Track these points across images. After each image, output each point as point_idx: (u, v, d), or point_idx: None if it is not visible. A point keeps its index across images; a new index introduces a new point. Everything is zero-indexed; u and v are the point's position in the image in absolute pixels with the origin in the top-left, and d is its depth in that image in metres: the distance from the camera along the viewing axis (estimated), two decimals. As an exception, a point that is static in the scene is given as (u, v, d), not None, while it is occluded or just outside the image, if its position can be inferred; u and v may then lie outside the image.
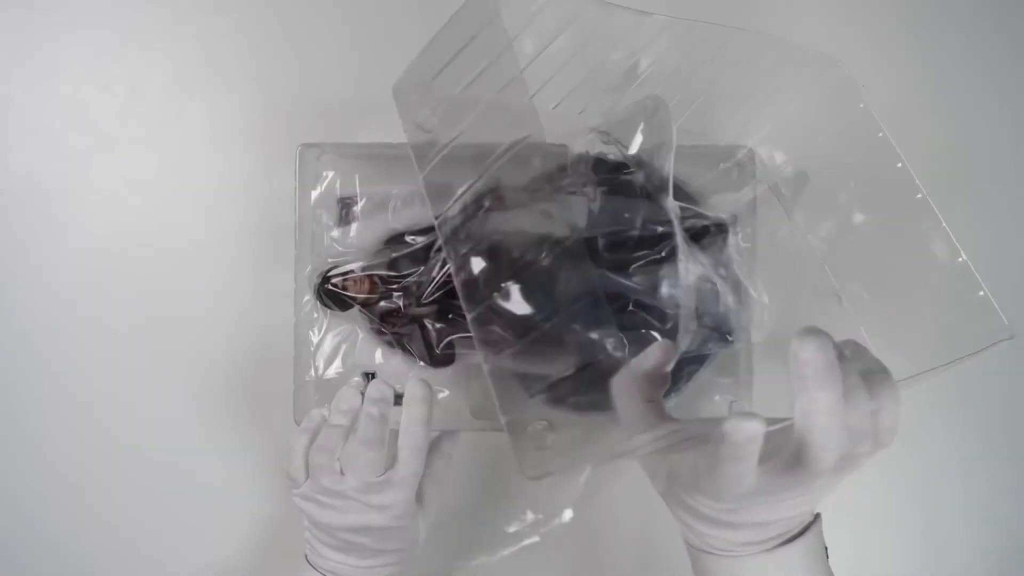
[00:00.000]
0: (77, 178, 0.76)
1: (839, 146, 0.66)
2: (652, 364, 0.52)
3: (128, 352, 0.76)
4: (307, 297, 0.70)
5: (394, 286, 0.68)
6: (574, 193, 0.69)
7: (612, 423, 0.50)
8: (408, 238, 0.68)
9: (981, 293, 0.53)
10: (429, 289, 0.66)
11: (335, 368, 0.70)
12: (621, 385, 0.51)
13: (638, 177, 0.71)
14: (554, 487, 0.73)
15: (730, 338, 0.68)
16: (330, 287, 0.68)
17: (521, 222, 0.68)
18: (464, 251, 0.52)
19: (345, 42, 0.76)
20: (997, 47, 0.77)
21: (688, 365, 0.70)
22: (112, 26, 0.76)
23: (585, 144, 0.62)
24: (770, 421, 0.43)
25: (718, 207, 0.72)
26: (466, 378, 0.72)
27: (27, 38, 0.76)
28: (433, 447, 0.63)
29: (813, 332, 0.43)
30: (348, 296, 0.68)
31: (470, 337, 0.67)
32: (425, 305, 0.67)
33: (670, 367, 0.52)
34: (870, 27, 0.78)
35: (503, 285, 0.54)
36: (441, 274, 0.66)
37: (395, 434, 0.60)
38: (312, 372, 0.70)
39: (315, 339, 0.70)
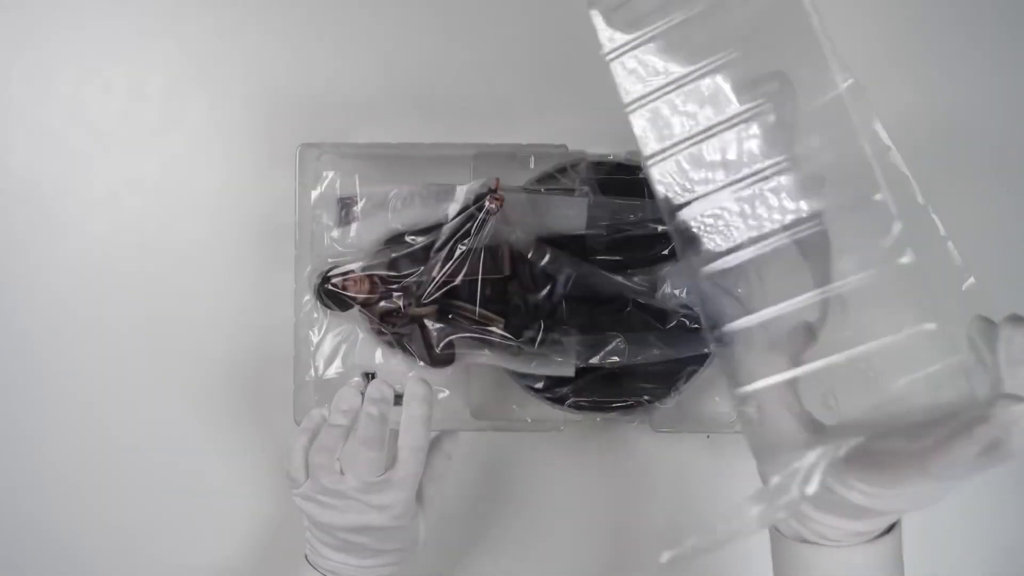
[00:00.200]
0: (77, 178, 0.76)
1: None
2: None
3: (128, 352, 0.76)
4: (307, 297, 0.70)
5: (394, 286, 0.68)
6: (574, 193, 0.69)
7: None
8: (408, 238, 0.68)
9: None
10: (429, 289, 0.66)
11: (335, 368, 0.70)
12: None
13: (639, 177, 0.71)
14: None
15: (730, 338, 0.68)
16: (330, 287, 0.68)
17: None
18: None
19: (345, 42, 0.76)
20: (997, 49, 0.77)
21: (688, 365, 0.70)
22: (112, 26, 0.76)
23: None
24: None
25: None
26: (466, 378, 0.72)
27: (27, 38, 0.76)
28: (433, 447, 0.62)
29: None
30: (348, 296, 0.68)
31: (470, 337, 0.67)
32: (425, 305, 0.67)
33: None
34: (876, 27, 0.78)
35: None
36: (441, 274, 0.66)
37: (395, 434, 0.60)
38: (312, 372, 0.70)
39: (315, 339, 0.70)
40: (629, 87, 0.52)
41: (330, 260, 0.69)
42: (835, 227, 0.49)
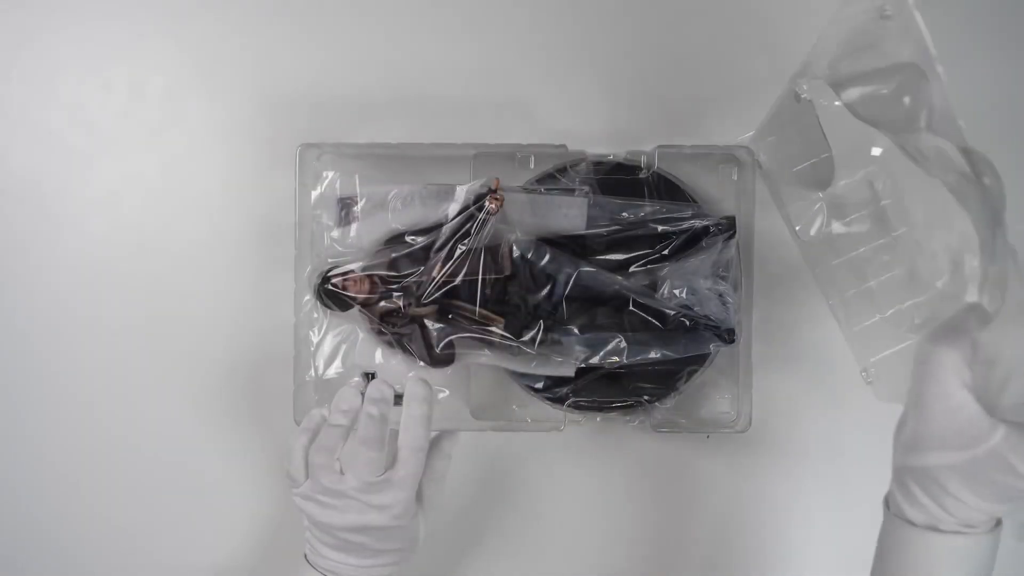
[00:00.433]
0: (77, 178, 0.76)
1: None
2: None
3: (128, 352, 0.76)
4: (307, 297, 0.70)
5: (394, 286, 0.68)
6: (574, 193, 0.69)
7: None
8: (408, 238, 0.68)
9: None
10: (429, 289, 0.66)
11: (335, 368, 0.70)
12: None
13: (639, 177, 0.71)
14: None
15: (730, 338, 0.69)
16: (330, 287, 0.68)
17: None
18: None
19: (345, 42, 0.76)
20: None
21: (688, 365, 0.70)
22: (112, 26, 0.76)
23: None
24: None
25: (718, 207, 0.73)
26: (466, 378, 0.72)
27: (27, 38, 0.76)
28: (433, 447, 0.63)
29: None
30: (348, 296, 0.68)
31: (470, 337, 0.67)
32: (425, 305, 0.67)
33: None
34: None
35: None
36: (441, 274, 0.66)
37: (395, 434, 0.60)
38: (312, 372, 0.70)
39: (315, 339, 0.70)
40: None
41: (330, 260, 0.69)
42: None
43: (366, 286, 0.68)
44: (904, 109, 0.53)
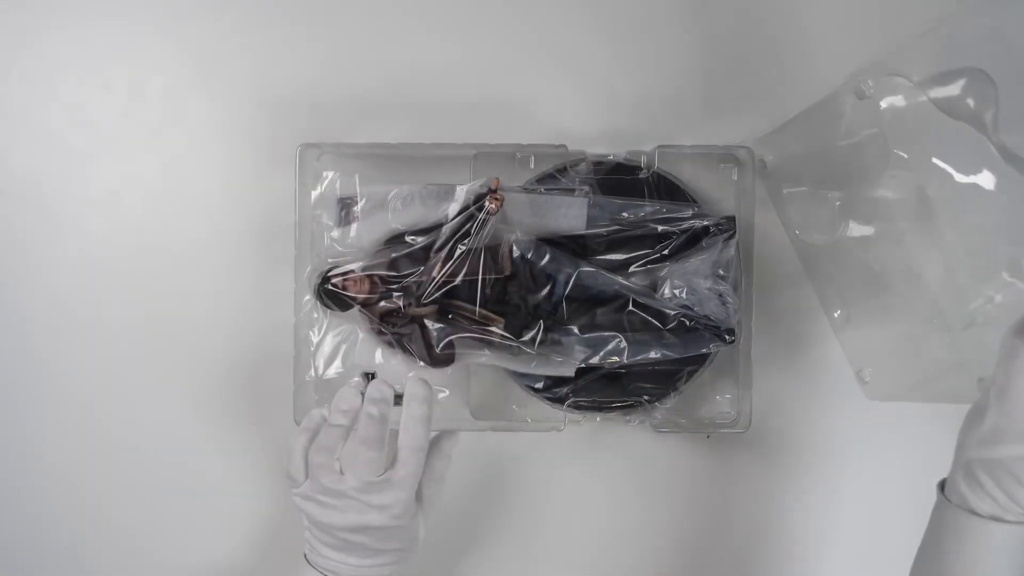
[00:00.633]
0: (77, 178, 0.76)
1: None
2: None
3: (128, 352, 0.76)
4: (307, 297, 0.70)
5: (394, 286, 0.68)
6: (574, 193, 0.69)
7: None
8: (408, 238, 0.68)
9: None
10: (429, 289, 0.66)
11: (335, 368, 0.70)
12: None
13: (639, 177, 0.71)
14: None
15: (730, 338, 0.68)
16: (330, 287, 0.68)
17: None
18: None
19: (345, 42, 0.76)
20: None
21: (688, 365, 0.70)
22: (112, 26, 0.76)
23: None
24: None
25: (718, 207, 0.73)
26: (466, 378, 0.72)
27: (27, 38, 0.76)
28: (433, 447, 0.63)
29: None
30: (348, 296, 0.68)
31: (470, 337, 0.67)
32: (425, 305, 0.67)
33: None
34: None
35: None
36: (441, 274, 0.66)
37: (395, 434, 0.60)
38: (312, 372, 0.70)
39: (315, 339, 0.70)
40: None
41: (330, 260, 0.69)
42: None
43: (366, 286, 0.68)
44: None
